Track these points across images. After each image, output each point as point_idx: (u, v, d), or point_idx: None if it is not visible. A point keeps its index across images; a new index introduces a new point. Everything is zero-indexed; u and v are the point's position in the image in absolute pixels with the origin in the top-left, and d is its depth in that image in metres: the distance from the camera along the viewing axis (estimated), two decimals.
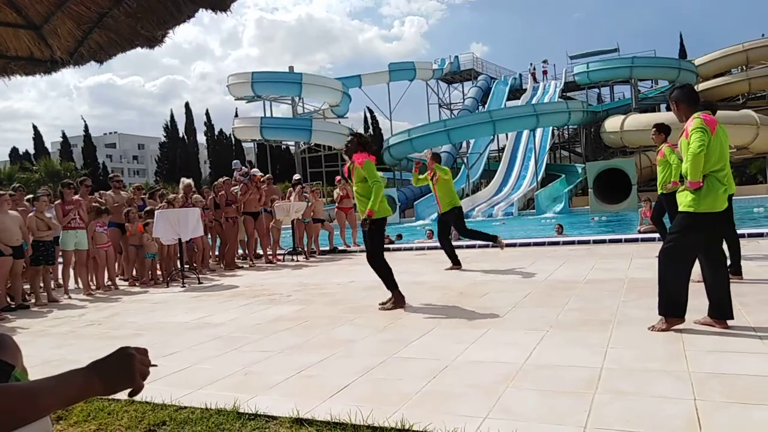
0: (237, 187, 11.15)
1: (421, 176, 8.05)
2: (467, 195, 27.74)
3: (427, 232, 14.36)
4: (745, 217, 16.21)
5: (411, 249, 11.14)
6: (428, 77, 40.61)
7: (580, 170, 28.66)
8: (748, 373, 2.81)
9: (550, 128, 31.61)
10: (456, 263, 7.85)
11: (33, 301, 7.54)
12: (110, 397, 3.12)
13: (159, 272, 9.30)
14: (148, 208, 9.25)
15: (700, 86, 33.99)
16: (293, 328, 4.72)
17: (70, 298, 7.90)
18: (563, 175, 29.16)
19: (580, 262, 7.62)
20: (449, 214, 7.90)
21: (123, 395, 3.01)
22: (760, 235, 8.69)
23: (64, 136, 56.84)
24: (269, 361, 3.70)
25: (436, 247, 10.86)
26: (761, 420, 2.28)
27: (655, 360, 3.14)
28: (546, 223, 17.45)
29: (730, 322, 3.70)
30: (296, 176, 12.80)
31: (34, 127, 58.13)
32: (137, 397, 3.05)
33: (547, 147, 31.87)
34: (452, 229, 8.35)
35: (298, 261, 10.89)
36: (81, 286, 8.25)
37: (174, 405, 2.93)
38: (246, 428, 2.59)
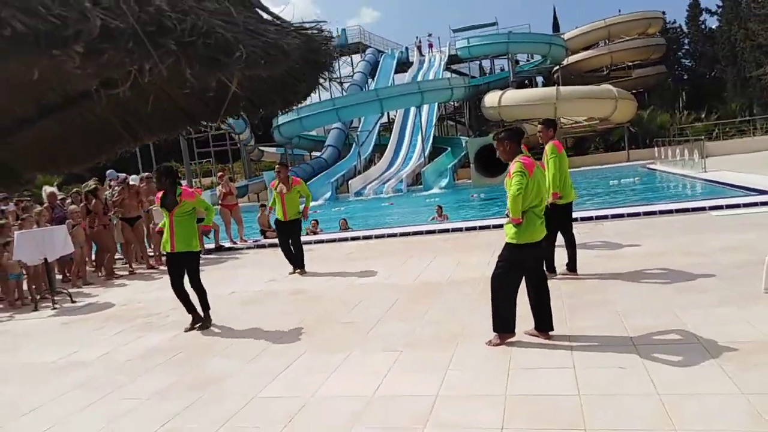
0: (109, 191, 10.68)
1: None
2: (359, 173, 28.16)
3: (341, 221, 13.69)
4: (601, 188, 18.00)
5: None
6: None
7: (464, 143, 30.02)
8: (551, 393, 3.35)
9: (436, 103, 32.61)
10: (298, 267, 8.28)
11: None
12: None
13: (31, 289, 8.76)
14: (1, 221, 8.64)
15: (570, 59, 36.60)
16: (165, 364, 4.80)
17: None
18: (449, 149, 30.35)
19: (449, 255, 8.22)
20: (295, 224, 8.34)
21: None
22: (605, 217, 9.79)
23: None
24: (135, 414, 3.80)
25: (321, 241, 11.15)
26: None
27: (483, 382, 3.64)
28: (430, 201, 18.26)
29: (551, 332, 4.31)
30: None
31: None
32: None
33: (434, 121, 32.93)
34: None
35: None
36: None
37: None
38: None
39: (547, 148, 6.10)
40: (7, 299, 8.48)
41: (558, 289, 5.68)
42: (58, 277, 10.06)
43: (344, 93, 39.21)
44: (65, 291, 8.52)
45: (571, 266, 6.21)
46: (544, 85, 41.15)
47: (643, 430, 2.81)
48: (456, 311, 5.36)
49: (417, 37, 42.68)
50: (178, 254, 5.72)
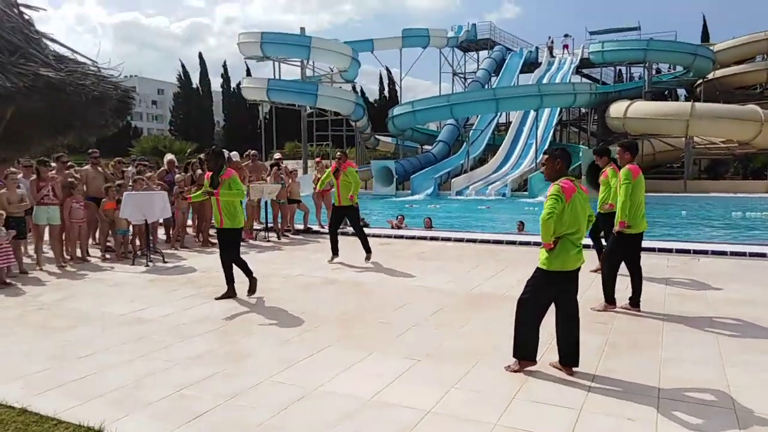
0: None
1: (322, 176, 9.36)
2: (465, 171, 27.89)
3: (425, 220, 13.75)
4: (718, 220, 16.30)
5: (378, 236, 11.46)
6: (442, 45, 40.11)
7: (581, 153, 28.54)
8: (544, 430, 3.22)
9: (558, 108, 31.31)
10: (335, 254, 8.76)
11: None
12: (4, 403, 3.64)
13: (135, 244, 9.78)
14: (119, 181, 9.71)
15: (717, 73, 33.34)
16: (209, 333, 5.21)
17: (41, 269, 8.47)
18: (584, 151, 28.97)
19: (519, 268, 7.95)
20: (348, 209, 8.68)
21: (16, 403, 3.50)
22: (704, 252, 8.93)
23: None
24: (163, 374, 4.19)
25: (401, 237, 11.29)
26: None
27: (480, 407, 3.56)
28: (530, 210, 17.66)
29: (575, 369, 4.10)
30: (276, 155, 13.17)
31: None
32: (34, 407, 3.57)
33: (553, 126, 31.67)
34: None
35: (269, 240, 11.36)
36: (55, 256, 8.84)
37: (55, 419, 3.43)
38: None
39: (622, 172, 5.73)
40: (116, 252, 9.58)
41: (610, 323, 5.37)
42: (163, 237, 11.15)
43: (465, 89, 38.97)
44: (159, 251, 9.43)
45: (634, 301, 5.80)
46: (687, 98, 37.83)
47: None
48: (495, 328, 5.23)
49: (549, 37, 41.10)
50: (224, 229, 6.34)
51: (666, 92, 40.04)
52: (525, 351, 4.12)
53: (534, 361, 4.14)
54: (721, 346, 4.68)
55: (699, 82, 33.62)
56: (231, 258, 6.46)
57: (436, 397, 3.70)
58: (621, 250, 5.80)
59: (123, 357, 4.57)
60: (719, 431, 3.21)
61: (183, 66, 58.05)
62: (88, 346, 4.84)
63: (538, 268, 4.10)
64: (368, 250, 8.57)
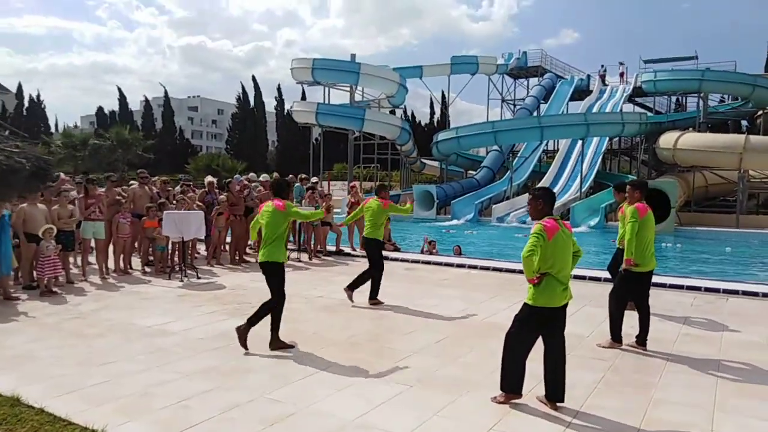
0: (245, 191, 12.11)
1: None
2: (508, 198, 27.73)
3: (455, 248, 13.40)
4: (766, 258, 15.62)
5: (405, 261, 11.66)
6: (491, 72, 40.25)
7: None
8: None
9: (606, 137, 30.78)
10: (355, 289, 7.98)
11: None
12: (26, 403, 4.04)
13: (174, 260, 10.35)
14: (161, 200, 10.34)
15: None
16: (222, 349, 5.54)
17: (85, 280, 9.12)
18: (612, 186, 28.42)
19: None
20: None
21: (36, 403, 3.87)
22: (735, 292, 8.66)
23: (146, 100, 61.14)
24: (169, 385, 4.52)
25: (428, 263, 11.44)
26: None
27: None
28: None
29: (561, 404, 4.17)
30: (313, 179, 13.63)
31: (119, 89, 62.11)
32: (51, 408, 3.95)
33: (601, 155, 31.08)
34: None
35: (300, 260, 11.75)
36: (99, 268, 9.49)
37: (66, 420, 3.80)
38: None
39: (628, 210, 5.77)
40: (156, 266, 10.17)
41: (611, 360, 5.38)
42: (204, 253, 11.72)
43: (514, 116, 38.87)
44: (195, 267, 9.95)
45: (641, 339, 5.77)
46: (748, 129, 36.40)
47: None
48: (494, 359, 5.28)
49: (602, 66, 40.54)
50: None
51: (728, 122, 38.61)
52: (510, 384, 4.23)
53: (519, 394, 4.24)
54: (718, 390, 4.63)
55: (759, 113, 32.36)
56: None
57: (416, 423, 3.86)
58: (628, 288, 5.82)
59: (139, 366, 4.95)
60: None
61: (243, 87, 60.48)
62: (110, 355, 5.26)
63: (524, 304, 4.23)
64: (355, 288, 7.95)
